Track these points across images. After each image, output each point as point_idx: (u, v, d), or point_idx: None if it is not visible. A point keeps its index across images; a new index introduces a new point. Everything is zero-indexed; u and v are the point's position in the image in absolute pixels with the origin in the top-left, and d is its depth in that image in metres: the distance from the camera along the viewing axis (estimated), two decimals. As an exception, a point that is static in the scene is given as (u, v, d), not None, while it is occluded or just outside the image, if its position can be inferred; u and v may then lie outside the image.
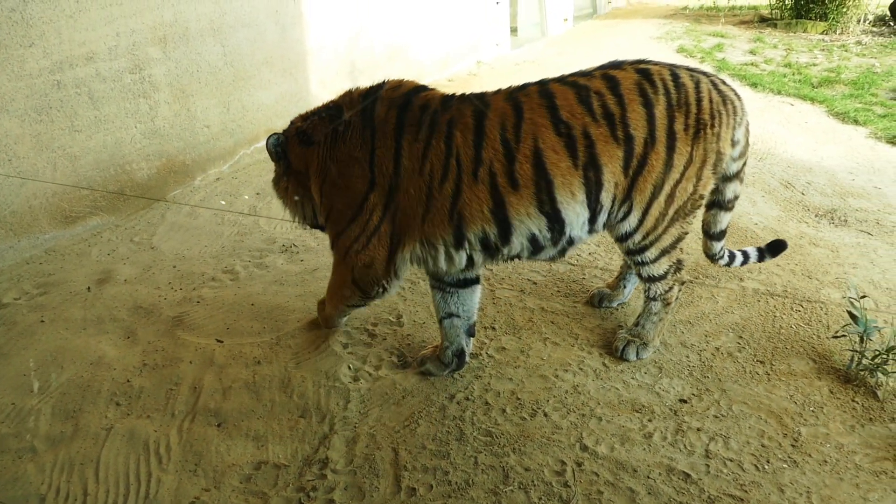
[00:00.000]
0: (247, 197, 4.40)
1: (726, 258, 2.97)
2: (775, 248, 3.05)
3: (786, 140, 5.22)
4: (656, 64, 2.40)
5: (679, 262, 2.56)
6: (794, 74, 7.18)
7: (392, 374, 2.64)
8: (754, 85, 6.78)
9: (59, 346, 2.85)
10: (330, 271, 2.67)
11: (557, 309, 3.07)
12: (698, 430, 2.32)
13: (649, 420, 2.37)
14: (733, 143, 2.47)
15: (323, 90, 5.54)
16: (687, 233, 2.51)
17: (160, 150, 4.25)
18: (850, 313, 2.60)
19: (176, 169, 4.39)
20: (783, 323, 2.93)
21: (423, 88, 2.51)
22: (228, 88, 4.68)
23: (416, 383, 2.59)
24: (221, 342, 2.86)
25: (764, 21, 10.57)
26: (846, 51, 8.35)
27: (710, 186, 2.48)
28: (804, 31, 9.61)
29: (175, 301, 3.20)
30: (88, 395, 2.55)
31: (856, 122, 5.59)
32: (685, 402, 2.46)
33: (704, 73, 2.42)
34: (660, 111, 2.27)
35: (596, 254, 3.56)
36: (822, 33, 9.47)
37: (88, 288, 3.31)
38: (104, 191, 3.92)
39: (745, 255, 3.03)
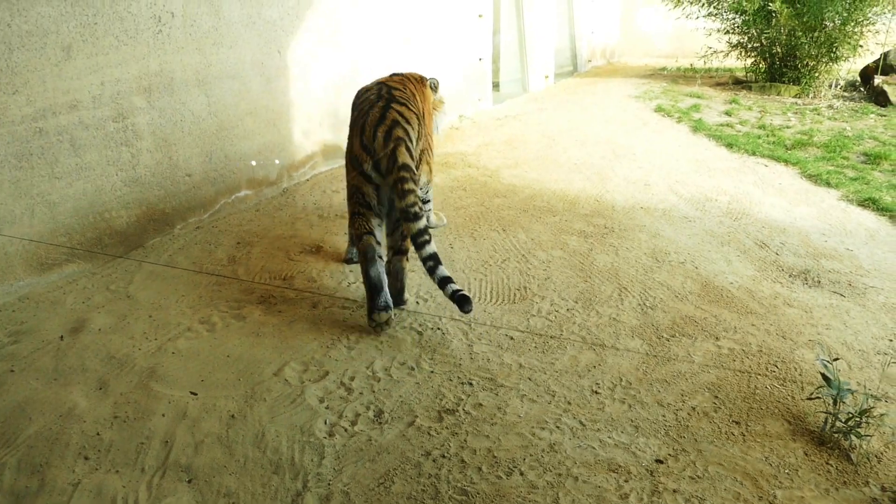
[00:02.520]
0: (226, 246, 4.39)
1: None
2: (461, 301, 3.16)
3: (760, 201, 5.33)
4: None
5: None
6: (768, 136, 7.36)
7: (368, 430, 2.62)
8: (730, 146, 6.93)
9: (27, 397, 2.79)
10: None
11: (535, 365, 3.06)
12: (674, 491, 2.31)
13: (625, 480, 2.36)
14: None
15: (305, 140, 5.60)
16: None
17: (140, 198, 4.25)
18: (823, 375, 2.63)
19: (156, 217, 4.38)
20: (758, 383, 2.95)
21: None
22: (212, 138, 4.71)
23: (393, 440, 2.56)
24: (195, 395, 2.82)
25: (739, 83, 10.86)
26: (818, 114, 8.59)
27: None
28: (778, 94, 9.89)
29: (149, 351, 3.16)
30: (56, 449, 2.49)
31: (828, 184, 5.73)
32: (661, 462, 2.45)
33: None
34: None
35: (574, 310, 3.58)
36: (795, 97, 9.75)
37: (61, 337, 3.27)
38: (80, 245, 3.90)
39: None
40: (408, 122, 3.39)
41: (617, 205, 5.20)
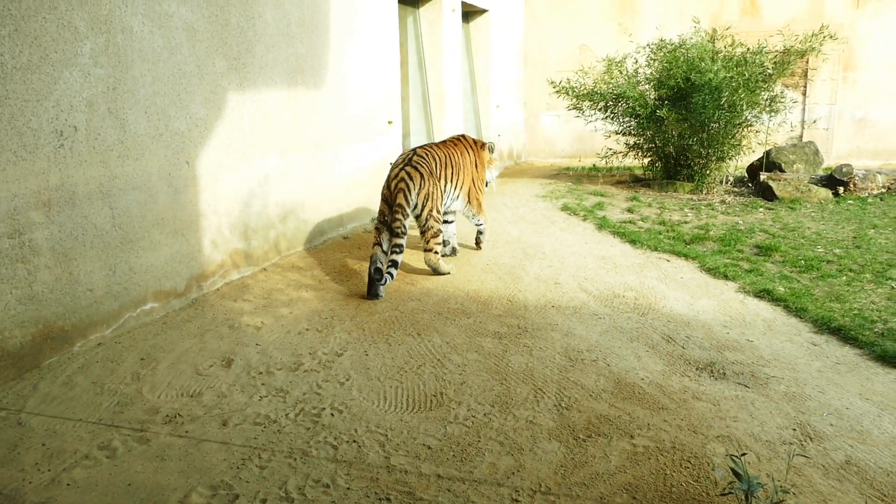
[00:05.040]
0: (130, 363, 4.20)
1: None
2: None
3: (665, 295, 5.54)
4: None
5: None
6: (668, 232, 7.73)
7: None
8: (633, 242, 7.23)
9: None
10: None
11: (453, 475, 3.01)
12: None
13: None
14: None
15: (215, 249, 5.52)
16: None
17: (37, 317, 4.05)
18: (733, 471, 2.68)
19: (53, 335, 4.17)
20: (674, 480, 2.98)
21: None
22: (115, 251, 4.58)
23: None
24: (91, 530, 2.63)
25: (638, 181, 11.45)
26: (713, 209, 9.11)
27: None
28: (675, 191, 10.46)
29: (41, 484, 2.94)
30: None
31: (725, 276, 6.02)
32: (584, 572, 2.41)
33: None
34: None
35: (491, 414, 3.57)
36: (690, 193, 10.33)
37: (-59, 473, 3.01)
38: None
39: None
40: (411, 178, 5.66)
41: (529, 304, 5.29)
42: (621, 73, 10.75)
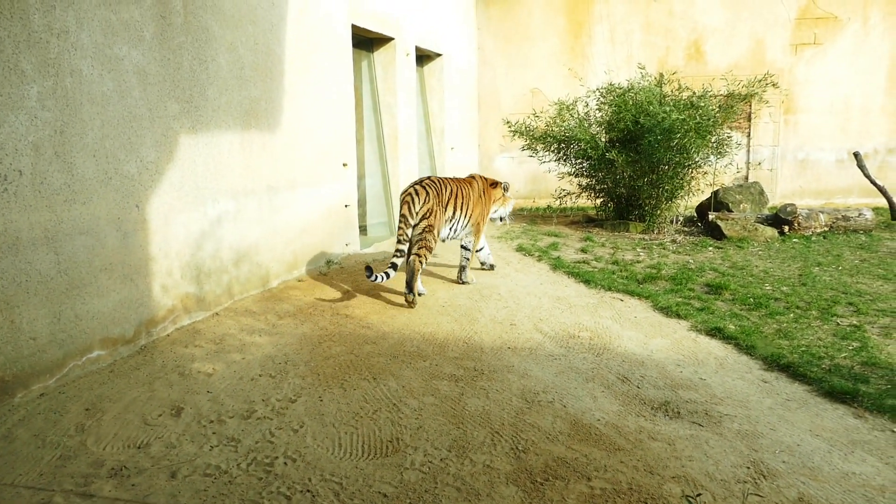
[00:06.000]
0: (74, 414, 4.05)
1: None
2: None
3: (619, 335, 5.59)
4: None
5: None
6: (621, 271, 7.84)
7: None
8: (587, 282, 7.30)
9: None
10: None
11: (410, 524, 2.95)
12: None
13: None
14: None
15: (165, 294, 5.41)
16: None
17: (-24, 367, 3.89)
18: (690, 512, 2.69)
19: (-7, 386, 4.01)
20: (631, 523, 2.97)
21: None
22: (61, 297, 4.46)
23: None
24: None
25: (591, 221, 11.63)
26: (664, 249, 9.28)
27: None
28: (627, 231, 10.64)
29: (-24, 545, 2.80)
30: None
31: (678, 315, 6.11)
32: None
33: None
34: None
35: (448, 459, 3.52)
36: (642, 233, 10.52)
37: None
38: None
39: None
40: (417, 194, 6.52)
41: (485, 346, 5.29)
42: (572, 116, 10.98)
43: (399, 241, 6.44)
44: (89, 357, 4.71)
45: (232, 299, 6.32)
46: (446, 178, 7.04)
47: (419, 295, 6.66)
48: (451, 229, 7.01)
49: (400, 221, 6.51)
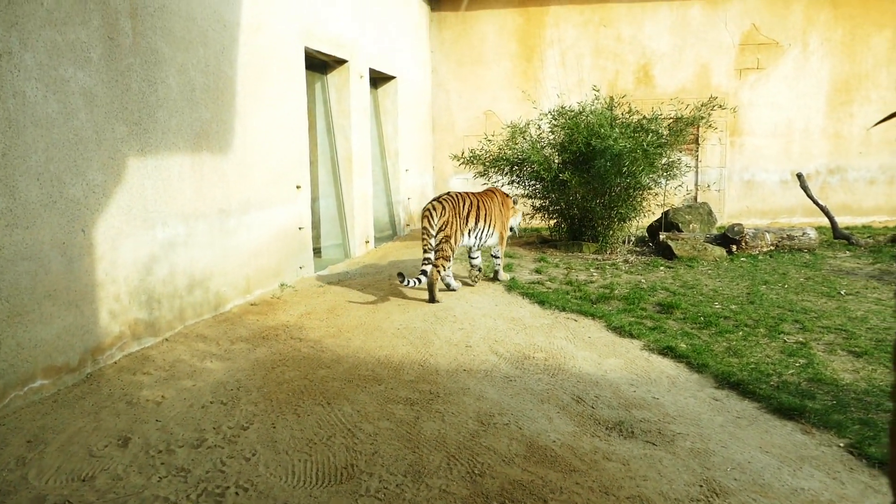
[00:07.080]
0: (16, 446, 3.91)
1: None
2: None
3: (574, 355, 5.62)
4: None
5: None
6: (575, 291, 7.91)
7: None
8: (542, 303, 7.35)
9: None
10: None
11: (365, 552, 2.91)
12: None
13: None
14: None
15: (113, 320, 5.27)
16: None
17: None
18: (644, 532, 2.70)
19: (-72, 419, 3.85)
20: (587, 545, 2.97)
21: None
22: (1, 325, 4.31)
23: None
24: None
25: (546, 242, 11.73)
26: (617, 268, 9.40)
27: None
28: (580, 252, 10.76)
29: None
30: None
31: (631, 335, 6.18)
32: None
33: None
34: None
35: (403, 485, 3.49)
36: (595, 253, 10.65)
37: None
38: None
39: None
40: (434, 209, 7.39)
41: (441, 368, 5.27)
42: (525, 138, 11.10)
43: (424, 251, 7.38)
44: (31, 387, 4.55)
45: (184, 324, 6.20)
46: (465, 193, 7.86)
47: (453, 291, 7.85)
48: (476, 237, 7.88)
49: (422, 233, 7.42)
